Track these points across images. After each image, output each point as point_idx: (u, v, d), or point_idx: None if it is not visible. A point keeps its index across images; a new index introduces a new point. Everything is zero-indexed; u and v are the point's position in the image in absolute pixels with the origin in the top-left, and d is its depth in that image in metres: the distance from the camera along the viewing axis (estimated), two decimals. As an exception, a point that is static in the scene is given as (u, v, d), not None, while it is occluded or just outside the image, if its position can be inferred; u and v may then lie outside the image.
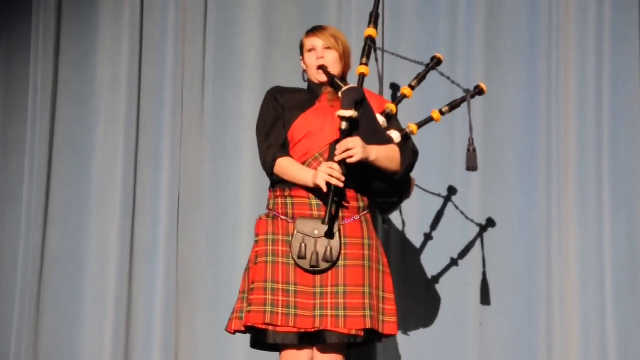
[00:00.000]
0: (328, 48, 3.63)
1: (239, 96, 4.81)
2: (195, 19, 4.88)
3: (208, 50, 4.85)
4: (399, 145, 3.60)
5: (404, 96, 3.75)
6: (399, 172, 3.57)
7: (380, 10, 3.79)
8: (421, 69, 3.81)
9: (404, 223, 4.63)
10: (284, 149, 3.59)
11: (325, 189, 3.42)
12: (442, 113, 3.78)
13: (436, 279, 4.58)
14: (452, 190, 4.61)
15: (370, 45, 3.68)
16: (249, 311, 3.48)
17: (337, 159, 3.45)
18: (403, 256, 4.61)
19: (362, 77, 3.61)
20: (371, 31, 3.71)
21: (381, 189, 3.60)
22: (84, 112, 4.91)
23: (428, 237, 4.61)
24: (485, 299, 4.53)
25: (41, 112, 4.90)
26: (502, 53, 4.69)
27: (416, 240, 4.63)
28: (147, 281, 4.77)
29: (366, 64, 3.64)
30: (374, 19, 3.73)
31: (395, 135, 3.62)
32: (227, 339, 4.61)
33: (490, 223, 4.57)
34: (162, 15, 4.87)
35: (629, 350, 4.46)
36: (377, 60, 3.81)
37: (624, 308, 4.48)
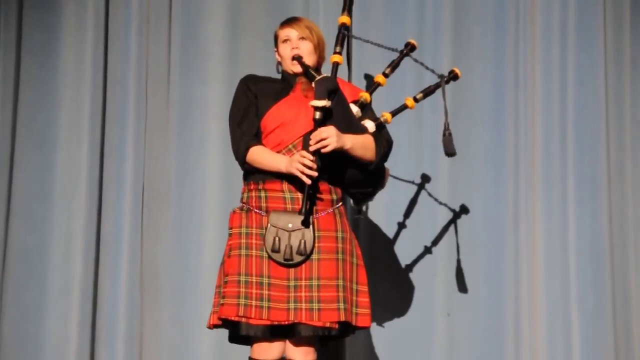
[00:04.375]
0: (303, 39, 3.60)
1: (204, 86, 4.76)
2: (160, 8, 4.82)
3: (173, 40, 4.80)
4: (374, 134, 3.59)
5: (378, 84, 3.70)
6: (374, 161, 3.56)
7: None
8: (393, 56, 3.75)
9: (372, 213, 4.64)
10: (257, 138, 3.56)
11: (308, 181, 3.40)
12: (416, 100, 3.73)
13: (404, 270, 4.58)
14: (420, 181, 4.62)
15: (344, 33, 3.63)
16: (222, 304, 3.46)
17: (311, 148, 3.43)
18: (370, 247, 4.60)
19: (335, 65, 3.57)
20: (345, 19, 3.65)
21: (356, 179, 3.59)
22: (47, 101, 4.82)
23: (396, 228, 4.61)
24: (453, 289, 4.56)
25: (3, 102, 4.81)
26: (470, 44, 4.71)
27: (383, 231, 4.63)
28: (112, 274, 4.70)
29: (340, 53, 3.60)
30: (347, 5, 3.66)
31: (370, 124, 3.60)
32: (193, 331, 4.61)
33: (458, 214, 4.59)
34: (127, 3, 4.79)
35: (592, 338, 4.53)
36: (348, 48, 3.73)
37: (587, 297, 4.55)
